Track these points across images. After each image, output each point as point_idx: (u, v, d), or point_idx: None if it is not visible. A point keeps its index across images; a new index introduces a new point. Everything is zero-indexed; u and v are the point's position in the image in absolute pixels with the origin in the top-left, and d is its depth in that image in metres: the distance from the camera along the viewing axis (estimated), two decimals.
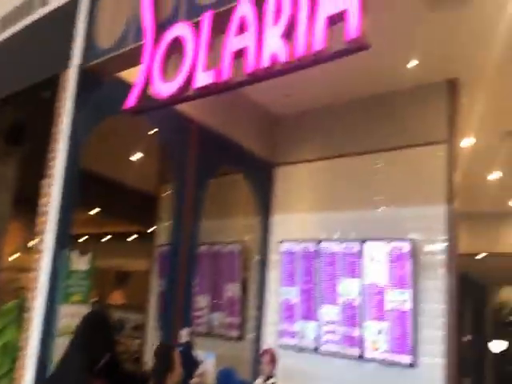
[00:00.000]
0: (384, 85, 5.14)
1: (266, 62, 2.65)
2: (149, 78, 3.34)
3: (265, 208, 5.98)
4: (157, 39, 3.38)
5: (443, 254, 4.78)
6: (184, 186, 4.86)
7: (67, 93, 4.08)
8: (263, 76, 2.73)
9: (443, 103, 4.97)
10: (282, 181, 6.06)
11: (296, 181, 5.95)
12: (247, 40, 2.78)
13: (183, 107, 4.79)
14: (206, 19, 3.06)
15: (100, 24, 4.11)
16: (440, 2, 3.87)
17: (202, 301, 6.13)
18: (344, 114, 5.59)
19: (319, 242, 5.43)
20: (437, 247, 4.82)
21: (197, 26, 3.12)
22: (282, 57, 2.59)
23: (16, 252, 8.97)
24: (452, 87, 4.98)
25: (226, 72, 2.84)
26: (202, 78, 2.96)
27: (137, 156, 7.99)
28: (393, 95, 5.19)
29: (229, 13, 2.96)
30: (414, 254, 4.81)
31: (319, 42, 2.45)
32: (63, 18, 4.36)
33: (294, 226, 5.82)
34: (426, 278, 4.81)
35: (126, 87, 4.24)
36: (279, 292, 5.64)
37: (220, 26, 3.01)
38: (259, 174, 5.99)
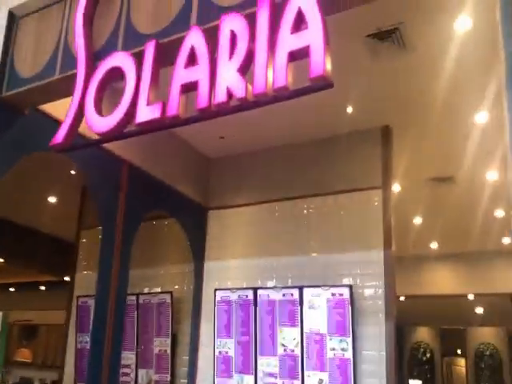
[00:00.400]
0: (321, 130, 5.12)
1: (220, 98, 2.45)
2: (81, 112, 3.01)
3: (198, 254, 5.65)
4: (91, 69, 3.08)
5: (381, 299, 4.72)
6: (113, 231, 4.44)
7: None
8: (217, 112, 2.51)
9: (378, 149, 5.01)
10: (215, 226, 5.78)
11: (230, 226, 5.70)
12: (199, 73, 2.56)
13: (112, 145, 4.44)
14: (150, 49, 2.81)
15: (21, 50, 3.72)
16: (380, 51, 3.93)
17: (128, 357, 5.59)
18: (279, 158, 5.49)
19: (256, 289, 5.17)
20: (375, 292, 4.74)
21: (138, 56, 2.87)
22: (239, 92, 2.40)
23: None
24: (386, 134, 5.06)
25: (174, 106, 2.59)
26: (146, 113, 2.69)
27: (52, 198, 7.43)
28: (329, 140, 5.18)
29: (176, 43, 2.75)
30: (353, 299, 4.70)
31: (280, 79, 2.29)
32: None
33: (229, 273, 5.53)
34: (366, 324, 4.69)
35: (49, 121, 3.91)
36: (214, 344, 5.27)
37: (166, 57, 2.78)
38: (192, 219, 5.69)
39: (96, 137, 3.04)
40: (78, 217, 6.79)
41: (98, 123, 2.88)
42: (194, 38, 2.64)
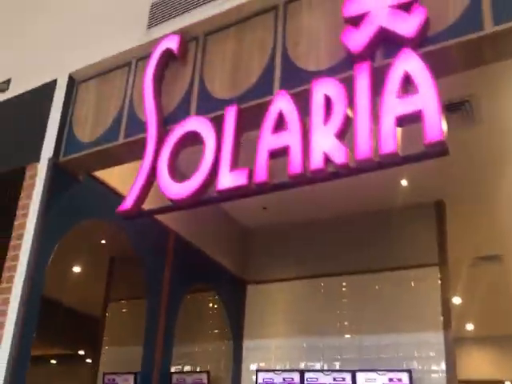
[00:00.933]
0: (371, 202, 4.92)
1: (316, 164, 2.29)
2: (152, 177, 2.86)
3: (236, 331, 5.30)
4: (162, 133, 2.96)
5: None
6: (158, 303, 4.17)
7: (34, 191, 3.45)
8: (311, 179, 2.35)
9: (432, 224, 4.82)
10: (255, 301, 5.47)
11: (271, 301, 5.40)
12: (289, 138, 2.42)
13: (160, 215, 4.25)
14: (231, 114, 2.70)
15: (80, 114, 3.62)
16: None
17: None
18: (326, 231, 5.26)
19: (303, 372, 4.78)
20: (436, 377, 4.36)
21: (216, 121, 2.76)
22: (339, 158, 2.24)
23: None
24: (439, 209, 4.88)
25: (263, 173, 2.43)
26: (229, 180, 2.53)
27: (75, 269, 7.15)
28: (380, 214, 4.97)
29: (259, 108, 2.65)
30: None
31: (388, 145, 2.13)
32: (34, 105, 3.84)
33: (271, 352, 5.15)
34: None
35: (102, 188, 3.78)
36: None
37: (248, 122, 2.67)
38: (231, 292, 5.40)
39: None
40: (106, 289, 6.49)
41: (173, 189, 2.71)
42: (282, 103, 2.53)
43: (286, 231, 5.54)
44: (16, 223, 3.39)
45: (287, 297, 5.37)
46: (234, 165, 2.58)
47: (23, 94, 3.92)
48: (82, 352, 9.83)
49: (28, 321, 3.08)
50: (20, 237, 3.30)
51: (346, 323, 4.92)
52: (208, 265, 5.00)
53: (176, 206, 2.77)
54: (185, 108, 3.05)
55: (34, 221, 3.31)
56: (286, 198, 4.88)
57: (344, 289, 5.05)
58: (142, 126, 3.13)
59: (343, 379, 4.58)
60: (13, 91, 4.04)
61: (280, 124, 2.51)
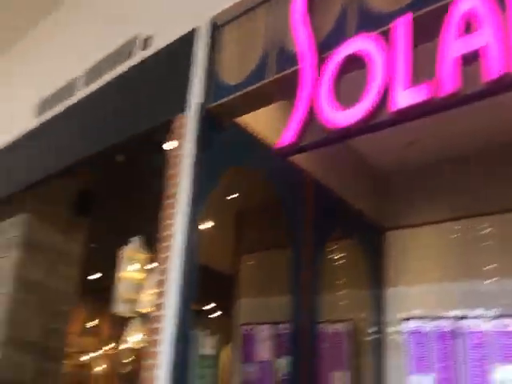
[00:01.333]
0: None
1: None
2: (311, 109, 2.65)
3: (378, 279, 5.08)
4: (319, 61, 2.73)
5: None
6: (301, 252, 4.05)
7: (185, 141, 3.39)
8: None
9: None
10: (396, 247, 5.18)
11: (414, 247, 5.07)
12: (485, 38, 2.09)
13: (295, 157, 4.04)
14: (402, 25, 2.40)
15: (225, 57, 3.48)
16: None
17: None
18: (477, 166, 4.71)
19: (459, 319, 4.47)
20: None
21: (383, 37, 2.47)
22: None
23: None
24: None
25: (450, 83, 2.13)
26: (407, 97, 2.25)
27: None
28: None
29: (437, 13, 2.32)
30: None
31: None
32: (176, 57, 3.78)
33: (418, 300, 4.86)
34: None
35: (246, 135, 3.66)
36: (407, 381, 4.61)
37: (421, 32, 2.35)
38: (370, 240, 5.14)
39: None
40: (236, 242, 6.55)
41: (338, 117, 2.49)
42: (470, 1, 2.17)
43: (428, 170, 5.10)
44: (170, 172, 3.37)
45: (432, 241, 5.01)
46: (411, 82, 2.29)
47: (165, 47, 3.87)
48: (208, 307, 10.19)
49: (190, 276, 3.08)
50: (174, 186, 3.29)
51: (501, 265, 4.48)
52: (345, 210, 4.76)
53: (342, 135, 2.55)
54: (341, 30, 2.77)
55: (189, 168, 3.26)
56: (427, 133, 4.49)
57: (498, 229, 4.58)
58: (293, 58, 2.92)
59: (506, 326, 4.20)
60: (155, 47, 4.01)
61: (467, 27, 2.18)
